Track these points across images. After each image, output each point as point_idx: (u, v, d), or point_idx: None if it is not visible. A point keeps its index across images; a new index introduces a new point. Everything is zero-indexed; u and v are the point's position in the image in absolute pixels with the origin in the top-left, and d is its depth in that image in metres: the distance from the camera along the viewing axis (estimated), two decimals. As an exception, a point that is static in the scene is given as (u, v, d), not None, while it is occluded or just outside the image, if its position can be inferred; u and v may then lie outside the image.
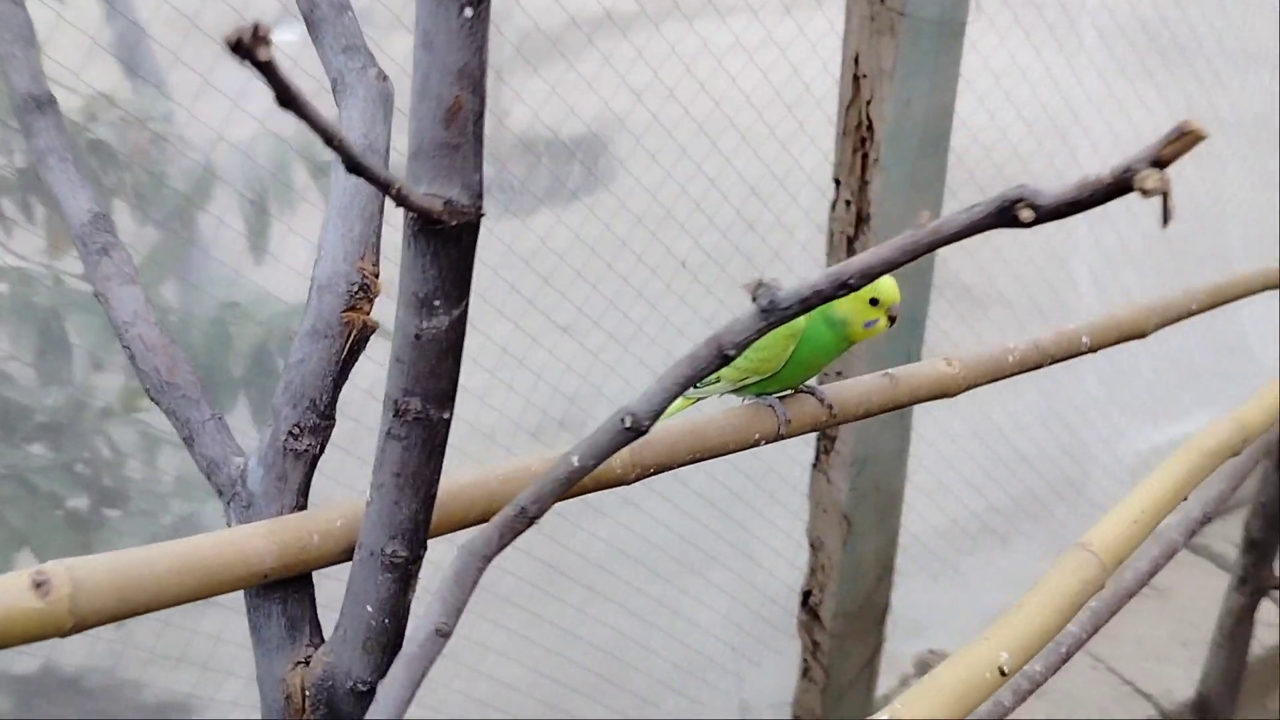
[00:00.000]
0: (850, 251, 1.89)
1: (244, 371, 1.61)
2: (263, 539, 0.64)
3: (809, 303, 0.60)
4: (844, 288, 0.60)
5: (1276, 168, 2.87)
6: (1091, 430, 2.88)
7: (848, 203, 1.85)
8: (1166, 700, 2.66)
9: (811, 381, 0.94)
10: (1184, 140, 0.52)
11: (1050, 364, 1.13)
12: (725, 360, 0.61)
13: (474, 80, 0.57)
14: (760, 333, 0.61)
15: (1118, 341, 1.19)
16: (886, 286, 0.91)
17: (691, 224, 1.90)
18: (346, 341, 0.70)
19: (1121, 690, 2.70)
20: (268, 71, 0.38)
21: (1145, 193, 0.53)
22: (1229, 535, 3.11)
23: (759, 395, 0.92)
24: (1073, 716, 2.62)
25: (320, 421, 0.69)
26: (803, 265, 1.98)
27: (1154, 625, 2.87)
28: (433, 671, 0.58)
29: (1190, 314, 1.30)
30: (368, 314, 0.71)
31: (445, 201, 0.57)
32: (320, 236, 0.71)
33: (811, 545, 2.19)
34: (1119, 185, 0.54)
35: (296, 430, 0.68)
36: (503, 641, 2.04)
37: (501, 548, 0.61)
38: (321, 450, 0.71)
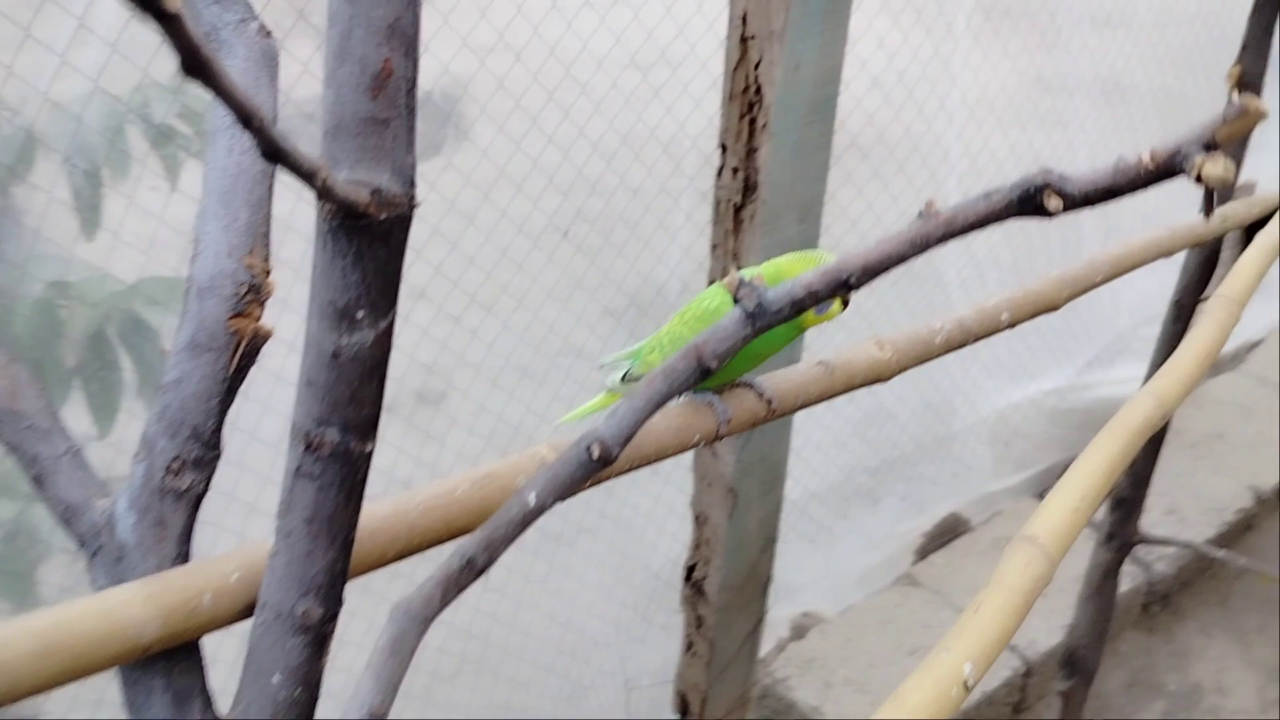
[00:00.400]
0: (737, 221, 1.82)
1: (78, 361, 1.43)
2: (141, 605, 0.52)
3: (802, 304, 0.52)
4: (843, 287, 0.52)
5: (1121, 132, 2.96)
6: (955, 389, 2.93)
7: (735, 170, 1.78)
8: (1031, 651, 2.75)
9: (748, 374, 0.87)
10: (1242, 121, 0.46)
11: (974, 341, 1.09)
12: (706, 373, 0.52)
13: (406, 39, 0.46)
14: (746, 339, 0.53)
15: (1033, 315, 1.17)
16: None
17: (569, 185, 1.79)
18: (234, 354, 0.58)
19: (988, 644, 2.78)
20: (175, 28, 0.27)
21: (1199, 179, 0.47)
22: (1080, 488, 3.23)
23: (695, 391, 0.84)
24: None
25: (205, 453, 0.57)
26: (687, 234, 1.91)
27: (1015, 578, 2.95)
28: None
29: (1095, 285, 1.29)
30: (259, 320, 0.59)
31: (372, 191, 0.46)
32: (196, 227, 0.58)
33: (696, 519, 2.14)
34: (1164, 169, 0.48)
35: (176, 465, 0.56)
36: (357, 631, 1.92)
37: (444, 606, 0.51)
38: (206, 488, 0.59)
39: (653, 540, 2.17)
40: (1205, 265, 1.81)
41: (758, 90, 1.71)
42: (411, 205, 0.48)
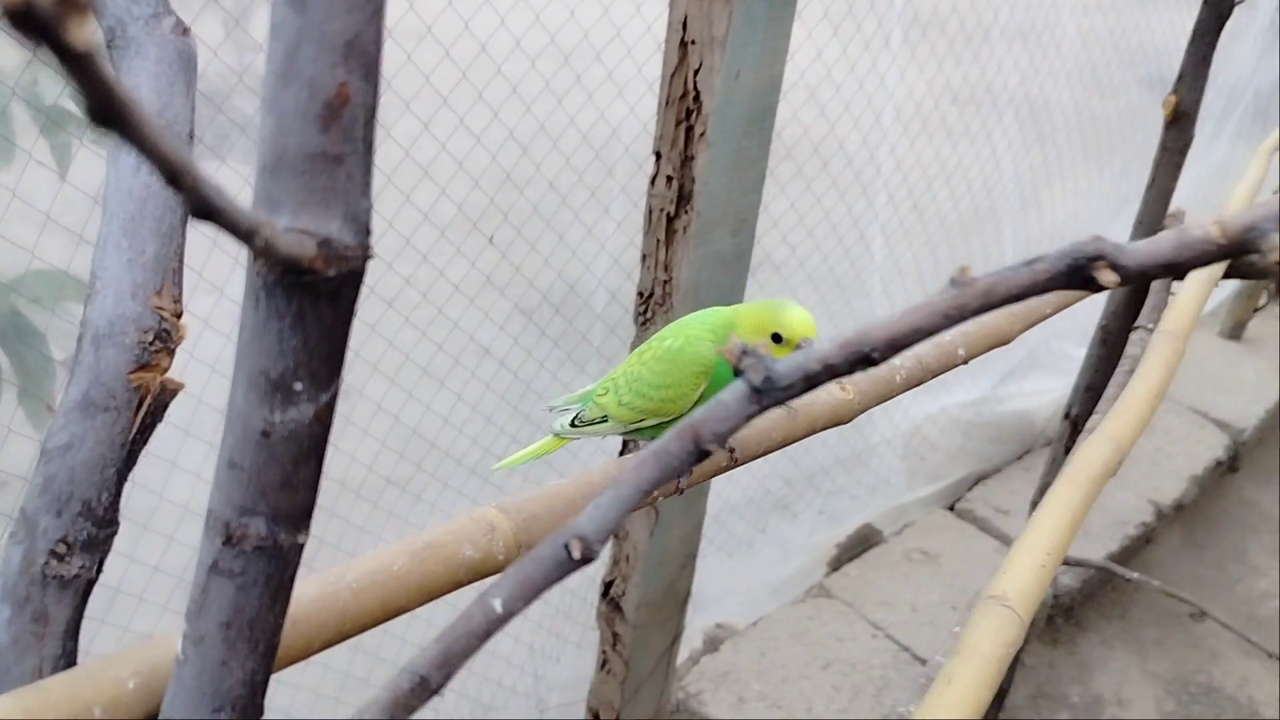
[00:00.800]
0: (670, 231, 1.76)
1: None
2: (14, 727, 0.43)
3: (815, 380, 0.45)
4: (865, 362, 0.45)
5: (1039, 144, 2.98)
6: (874, 403, 2.91)
7: (669, 178, 1.72)
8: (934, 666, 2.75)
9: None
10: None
11: (931, 378, 1.05)
12: (703, 455, 0.45)
13: (367, 60, 0.37)
14: (749, 418, 0.46)
15: (987, 349, 1.13)
16: (792, 318, 0.75)
17: (481, 175, 1.70)
18: (137, 413, 0.49)
19: (900, 656, 2.78)
20: (85, 70, 0.19)
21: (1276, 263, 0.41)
22: (990, 500, 3.27)
23: (651, 438, 0.77)
24: (857, 684, 2.66)
25: (97, 532, 0.48)
26: (617, 241, 1.84)
27: (926, 591, 2.96)
28: None
29: (1045, 317, 1.26)
30: (167, 370, 0.50)
31: (320, 242, 0.38)
32: (94, 260, 0.49)
33: (615, 535, 2.07)
34: (1235, 246, 0.42)
35: (62, 548, 0.47)
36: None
37: (391, 732, 0.43)
38: (99, 572, 0.49)
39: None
40: (1133, 291, 1.81)
41: (696, 97, 1.65)
42: (366, 258, 0.40)
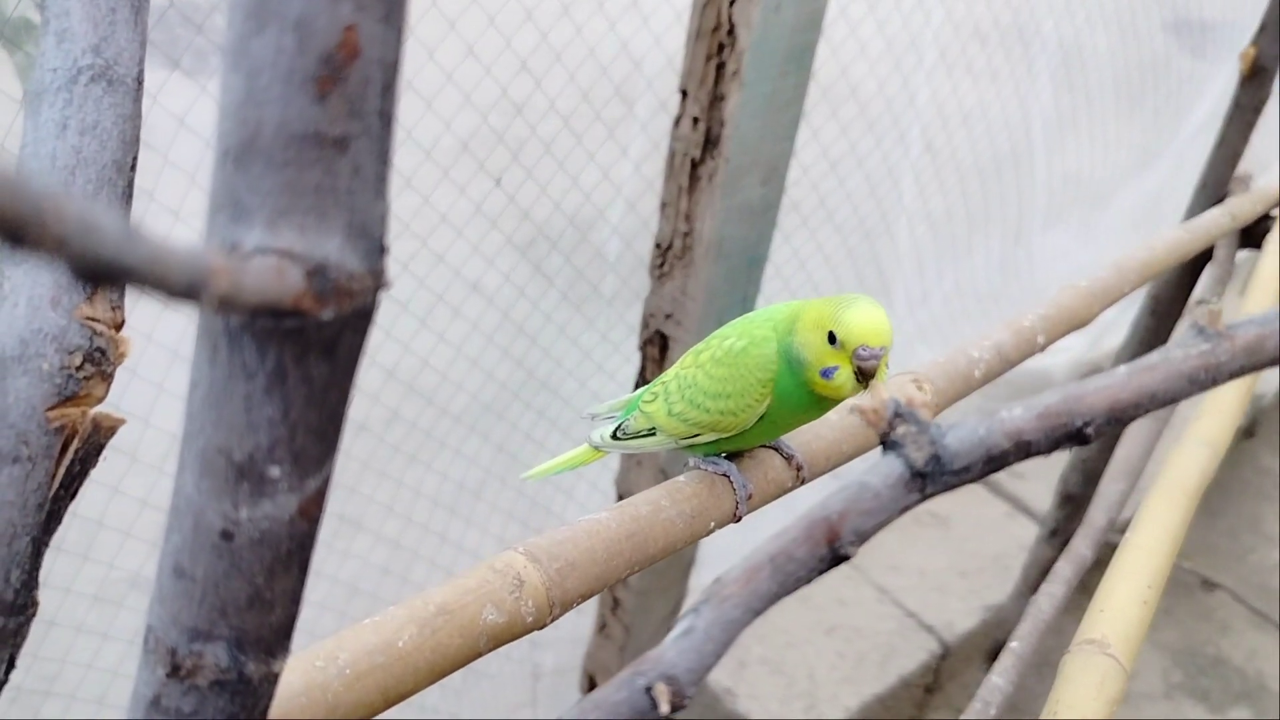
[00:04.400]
0: (693, 178, 1.62)
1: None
2: None
3: (1001, 460, 0.33)
4: (1073, 439, 0.33)
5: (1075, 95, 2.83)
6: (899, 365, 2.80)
7: (695, 120, 1.57)
8: (948, 633, 2.67)
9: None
10: None
11: (1008, 369, 0.92)
12: (838, 562, 0.33)
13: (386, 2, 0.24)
14: (905, 510, 0.33)
15: (1065, 333, 1.01)
16: (852, 319, 0.60)
17: (489, 104, 1.55)
18: (60, 463, 0.36)
19: (906, 623, 2.70)
20: None
21: None
22: (1000, 460, 3.16)
23: (706, 455, 0.64)
24: (862, 650, 2.58)
25: (6, 621, 0.36)
26: (633, 186, 1.69)
27: (935, 555, 2.87)
28: None
29: (1124, 294, 1.13)
30: (101, 402, 0.38)
31: (312, 270, 0.25)
32: (-1, 253, 0.36)
33: (620, 496, 1.96)
34: None
35: (-47, 648, 0.34)
36: None
37: None
38: (10, 667, 0.37)
39: (573, 518, 1.99)
40: (1191, 262, 1.68)
41: (730, 31, 1.50)
42: (378, 290, 0.27)
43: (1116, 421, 0.32)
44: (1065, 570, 1.14)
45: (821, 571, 0.32)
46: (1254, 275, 1.31)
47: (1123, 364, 1.28)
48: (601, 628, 2.15)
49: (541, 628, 0.51)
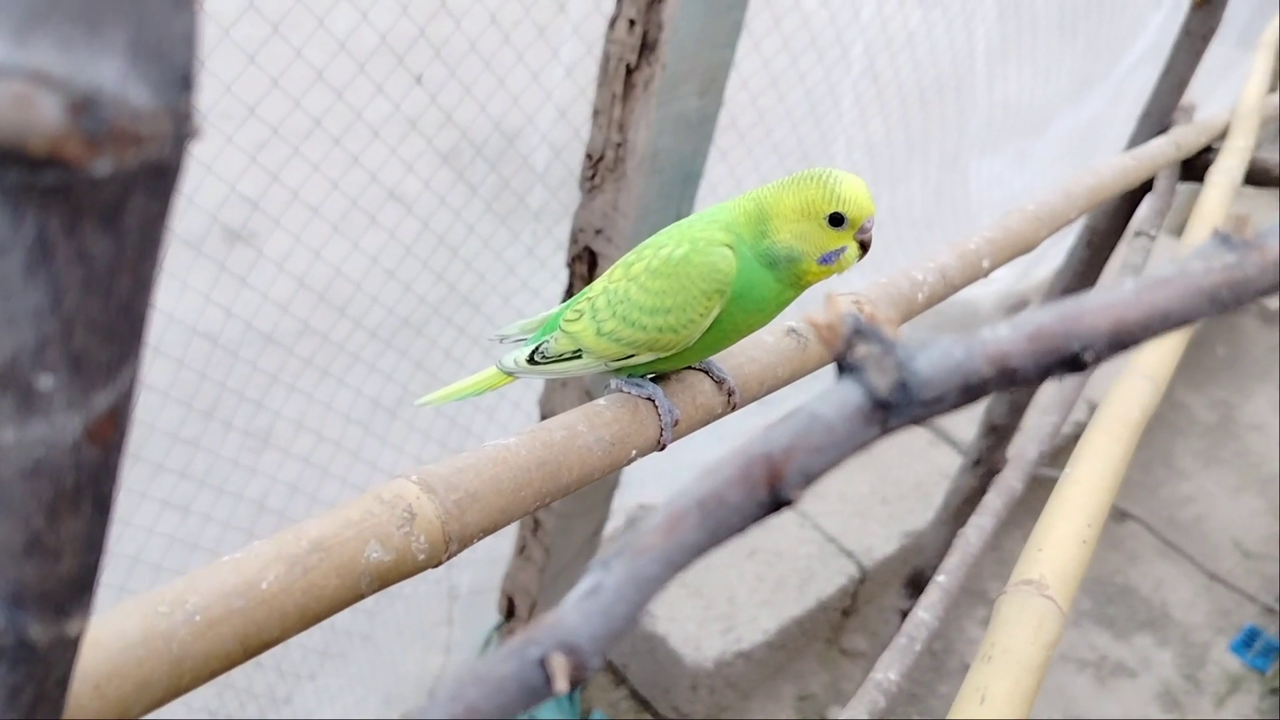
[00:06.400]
0: (628, 85, 1.53)
1: None
2: None
3: (981, 389, 0.28)
4: (1069, 365, 0.27)
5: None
6: (822, 286, 2.76)
7: (631, 22, 1.48)
8: (867, 558, 2.69)
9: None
10: None
11: (952, 293, 0.88)
12: (779, 507, 0.28)
13: None
14: (861, 447, 0.28)
15: (1011, 258, 0.96)
16: (851, 191, 0.58)
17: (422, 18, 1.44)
18: None
19: (827, 548, 2.71)
20: None
21: None
22: (925, 389, 3.17)
23: (629, 377, 0.58)
24: (782, 574, 2.59)
25: None
26: (565, 92, 1.60)
27: (857, 481, 2.88)
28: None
29: (1070, 221, 1.09)
30: None
31: (77, 101, 0.18)
32: None
33: (543, 418, 1.90)
34: None
35: None
36: (148, 512, 1.61)
37: None
38: None
39: (483, 436, 1.93)
40: (1128, 195, 1.65)
41: (671, -73, 1.40)
42: (182, 138, 0.20)
43: (1120, 345, 0.27)
44: (994, 503, 1.11)
45: (759, 518, 0.27)
46: (1196, 208, 1.29)
47: (1056, 296, 1.25)
48: (521, 549, 2.10)
49: (436, 565, 0.45)
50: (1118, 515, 3.13)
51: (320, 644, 1.84)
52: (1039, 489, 3.07)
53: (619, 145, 1.58)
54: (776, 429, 0.27)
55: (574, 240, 1.63)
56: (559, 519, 2.01)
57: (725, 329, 0.57)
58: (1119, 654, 2.80)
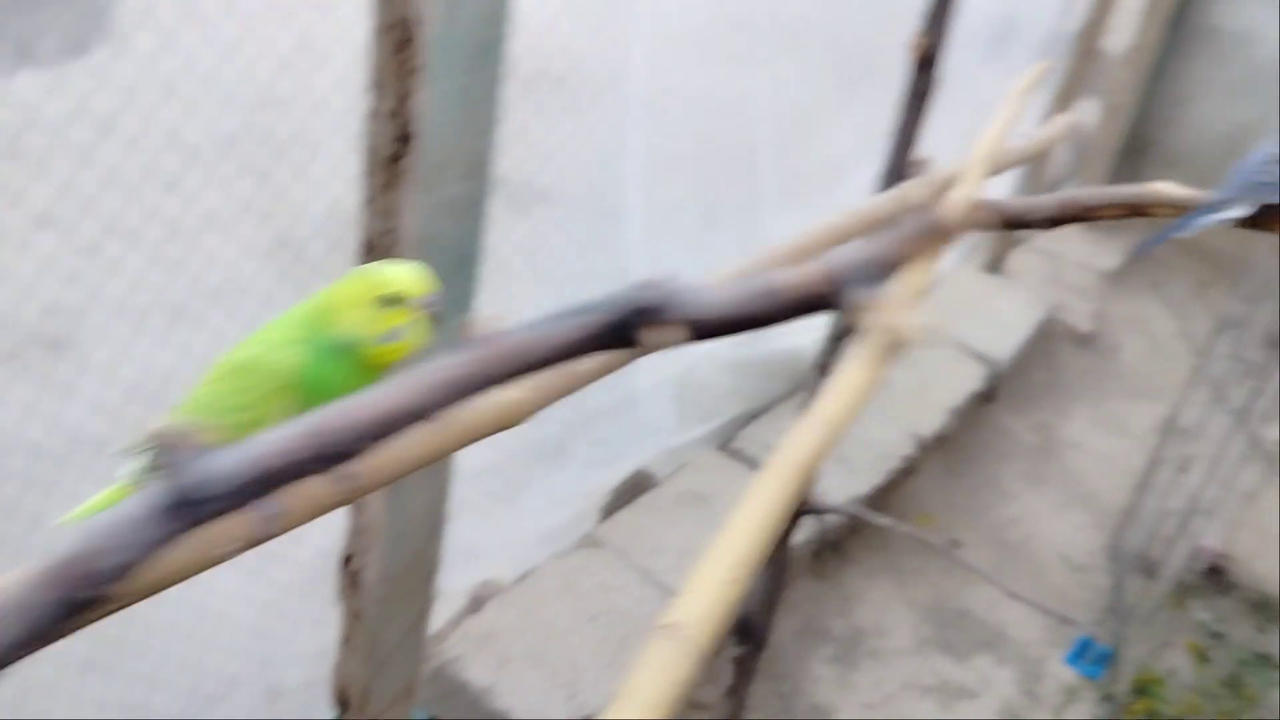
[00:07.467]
0: (392, 174, 1.58)
1: None
2: None
3: (276, 480, 0.32)
4: (341, 458, 0.32)
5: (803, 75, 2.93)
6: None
7: (391, 114, 1.53)
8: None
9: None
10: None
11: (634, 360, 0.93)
12: (87, 605, 0.31)
13: None
14: (160, 544, 0.32)
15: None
16: (396, 273, 0.64)
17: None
18: None
19: (668, 602, 2.73)
20: None
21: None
22: (761, 438, 3.27)
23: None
24: (624, 634, 2.62)
25: None
26: (339, 183, 1.64)
27: (697, 534, 2.94)
28: None
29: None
30: None
31: None
32: None
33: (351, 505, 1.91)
34: (822, 300, 0.31)
35: None
36: None
37: None
38: None
39: (298, 533, 1.92)
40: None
41: (411, 27, 1.47)
42: None
43: (382, 435, 0.31)
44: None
45: (69, 618, 0.30)
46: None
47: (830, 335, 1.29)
48: (347, 639, 2.08)
49: None
50: (952, 543, 3.26)
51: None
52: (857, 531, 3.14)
53: (389, 232, 1.62)
54: (83, 535, 0.31)
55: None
56: (379, 605, 2.01)
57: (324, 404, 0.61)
58: (960, 677, 2.90)
